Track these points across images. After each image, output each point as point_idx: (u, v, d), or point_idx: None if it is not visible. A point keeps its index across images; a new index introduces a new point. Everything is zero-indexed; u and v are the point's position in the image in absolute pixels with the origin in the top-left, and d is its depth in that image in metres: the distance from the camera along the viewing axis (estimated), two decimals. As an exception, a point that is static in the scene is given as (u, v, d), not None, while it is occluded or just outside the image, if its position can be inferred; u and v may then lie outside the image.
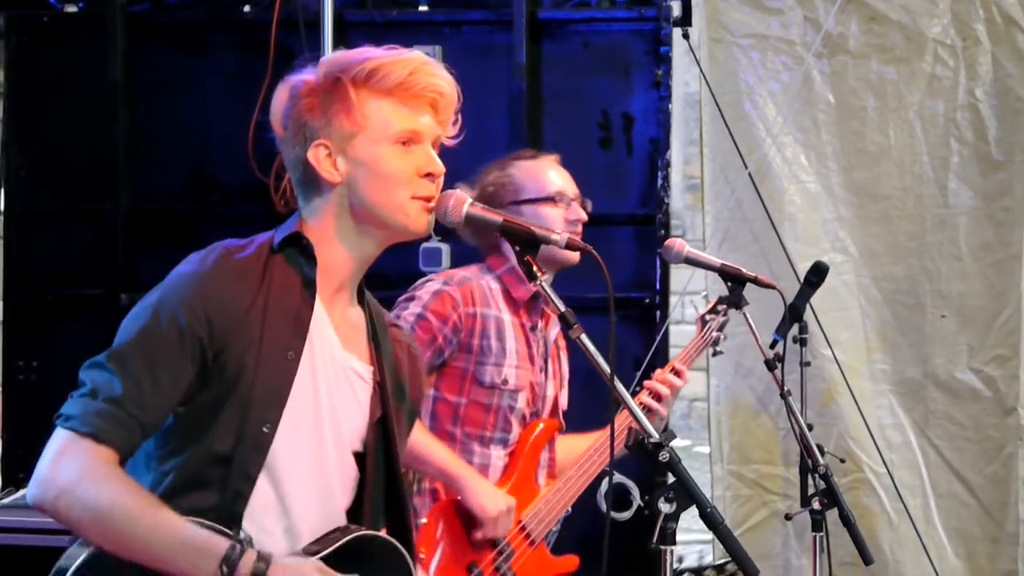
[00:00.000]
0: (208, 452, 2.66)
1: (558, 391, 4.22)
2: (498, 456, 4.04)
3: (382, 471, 2.87)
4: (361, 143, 2.73)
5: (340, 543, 2.76)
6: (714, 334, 4.46)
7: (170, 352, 2.62)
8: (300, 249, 2.75)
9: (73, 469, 2.54)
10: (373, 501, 2.86)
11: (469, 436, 4.01)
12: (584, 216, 4.13)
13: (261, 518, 2.70)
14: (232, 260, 2.71)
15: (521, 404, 4.05)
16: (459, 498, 3.91)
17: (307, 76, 2.76)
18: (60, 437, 2.58)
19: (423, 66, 2.76)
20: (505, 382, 4.01)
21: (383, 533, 2.87)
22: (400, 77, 2.74)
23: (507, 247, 4.06)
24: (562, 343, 4.28)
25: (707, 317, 4.50)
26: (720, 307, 4.61)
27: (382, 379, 2.86)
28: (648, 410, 4.17)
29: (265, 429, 2.68)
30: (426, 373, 3.77)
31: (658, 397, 4.19)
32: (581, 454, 4.14)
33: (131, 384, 2.59)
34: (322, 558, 2.71)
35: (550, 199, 4.09)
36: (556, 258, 3.99)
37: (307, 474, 2.76)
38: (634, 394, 4.12)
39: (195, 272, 2.68)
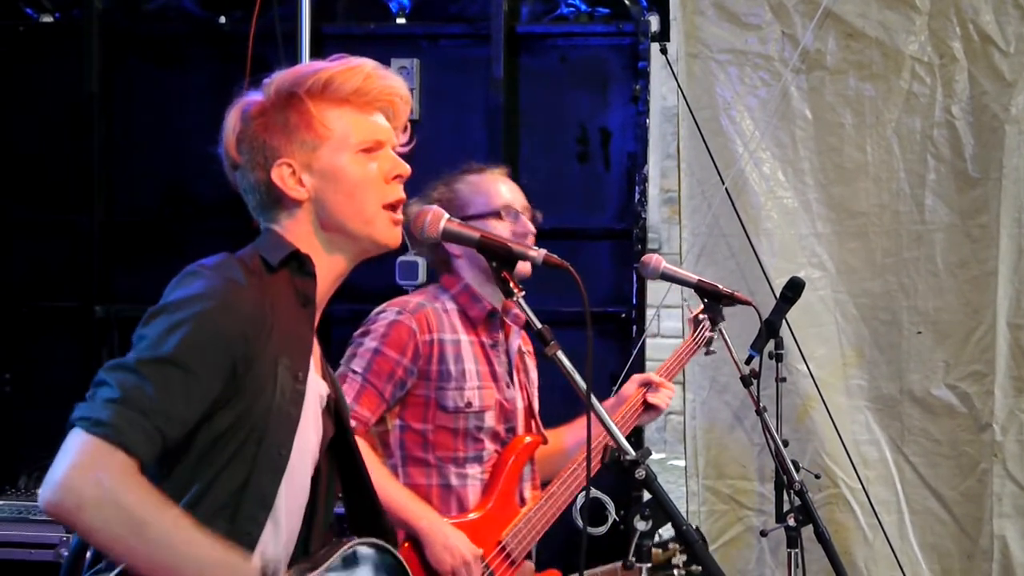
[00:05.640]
0: (221, 480, 2.55)
1: (530, 400, 4.18)
2: (475, 473, 4.00)
3: (333, 495, 2.82)
4: (325, 155, 2.69)
5: (336, 554, 2.72)
6: (708, 334, 4.44)
7: (207, 367, 2.48)
8: (299, 266, 2.69)
9: (103, 480, 2.35)
10: (323, 525, 2.80)
11: (443, 460, 3.96)
12: (532, 229, 4.04)
13: (263, 544, 2.62)
14: (243, 276, 2.59)
15: (490, 423, 4.00)
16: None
17: (257, 98, 2.72)
18: (85, 442, 2.38)
19: (375, 71, 2.73)
20: (469, 404, 3.95)
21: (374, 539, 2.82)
22: (355, 84, 2.71)
23: (460, 264, 4.06)
24: (527, 348, 4.24)
25: (700, 316, 4.46)
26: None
27: (337, 397, 2.82)
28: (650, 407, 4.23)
29: (281, 452, 2.60)
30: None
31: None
32: (563, 469, 4.09)
33: (164, 396, 2.43)
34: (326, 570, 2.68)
35: (496, 213, 4.00)
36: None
37: (293, 497, 2.69)
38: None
39: (225, 288, 2.55)
